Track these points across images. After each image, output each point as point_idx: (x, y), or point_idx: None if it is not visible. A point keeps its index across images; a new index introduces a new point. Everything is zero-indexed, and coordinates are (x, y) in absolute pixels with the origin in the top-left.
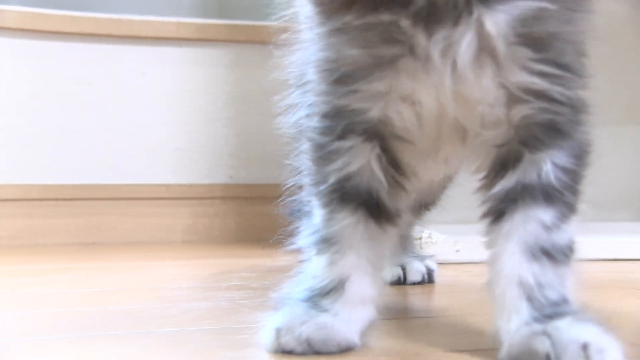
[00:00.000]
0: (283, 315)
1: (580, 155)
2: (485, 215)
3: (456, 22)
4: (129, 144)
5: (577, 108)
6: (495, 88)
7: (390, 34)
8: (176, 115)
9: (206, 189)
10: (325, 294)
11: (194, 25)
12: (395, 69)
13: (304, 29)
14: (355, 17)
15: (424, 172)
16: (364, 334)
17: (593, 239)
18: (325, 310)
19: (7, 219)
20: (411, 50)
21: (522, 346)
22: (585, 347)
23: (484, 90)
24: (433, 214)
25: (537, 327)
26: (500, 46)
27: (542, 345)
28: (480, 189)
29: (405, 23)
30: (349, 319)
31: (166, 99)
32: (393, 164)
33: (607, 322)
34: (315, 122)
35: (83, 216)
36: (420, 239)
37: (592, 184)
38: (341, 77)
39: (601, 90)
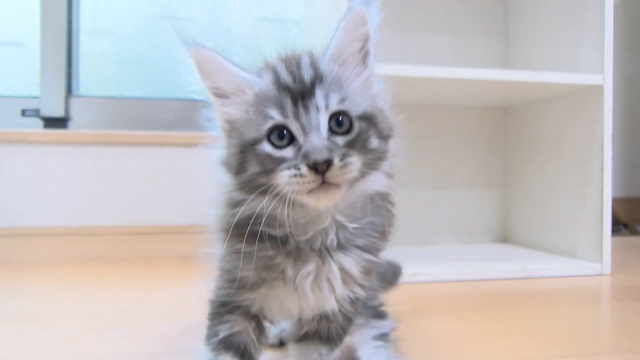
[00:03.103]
0: None
1: (348, 323)
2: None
3: (322, 261)
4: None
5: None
6: (334, 300)
7: (270, 264)
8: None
9: None
10: None
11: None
12: (271, 287)
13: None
14: (245, 246)
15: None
16: None
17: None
18: None
19: (138, 245)
20: (282, 278)
21: None
22: None
23: (329, 301)
24: None
25: None
26: (353, 275)
27: None
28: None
29: (280, 259)
30: None
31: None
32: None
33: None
34: (216, 297)
35: (179, 242)
36: None
37: (467, 219)
38: (234, 281)
39: (470, 164)
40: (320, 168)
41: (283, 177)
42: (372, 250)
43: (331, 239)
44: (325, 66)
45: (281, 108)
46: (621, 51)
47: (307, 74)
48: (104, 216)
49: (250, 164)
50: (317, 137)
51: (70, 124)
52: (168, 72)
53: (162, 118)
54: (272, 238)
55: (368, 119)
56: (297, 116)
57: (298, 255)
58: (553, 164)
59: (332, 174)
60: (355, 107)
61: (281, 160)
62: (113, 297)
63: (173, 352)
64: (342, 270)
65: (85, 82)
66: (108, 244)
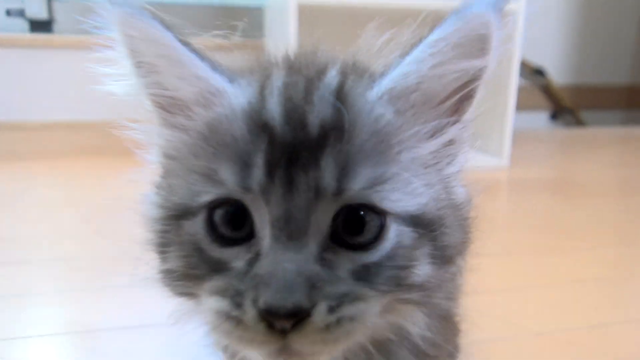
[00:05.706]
0: None
1: None
2: None
3: None
4: None
5: None
6: None
7: None
8: None
9: None
10: None
11: None
12: None
13: None
14: None
15: None
16: None
17: None
18: None
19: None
20: None
21: None
22: None
23: None
24: None
25: None
26: None
27: None
28: None
29: None
30: None
31: None
32: None
33: None
34: None
35: None
36: None
37: None
38: None
39: None
40: (279, 325)
41: (208, 304)
42: None
43: None
44: (364, 105)
45: (244, 168)
46: None
47: (318, 111)
48: (94, 112)
49: (171, 250)
50: (291, 253)
51: (55, 27)
52: None
53: None
54: None
55: (424, 225)
56: (267, 193)
57: None
58: None
59: (302, 339)
60: (405, 199)
61: (219, 266)
62: (112, 185)
63: None
64: None
65: None
66: (98, 136)
